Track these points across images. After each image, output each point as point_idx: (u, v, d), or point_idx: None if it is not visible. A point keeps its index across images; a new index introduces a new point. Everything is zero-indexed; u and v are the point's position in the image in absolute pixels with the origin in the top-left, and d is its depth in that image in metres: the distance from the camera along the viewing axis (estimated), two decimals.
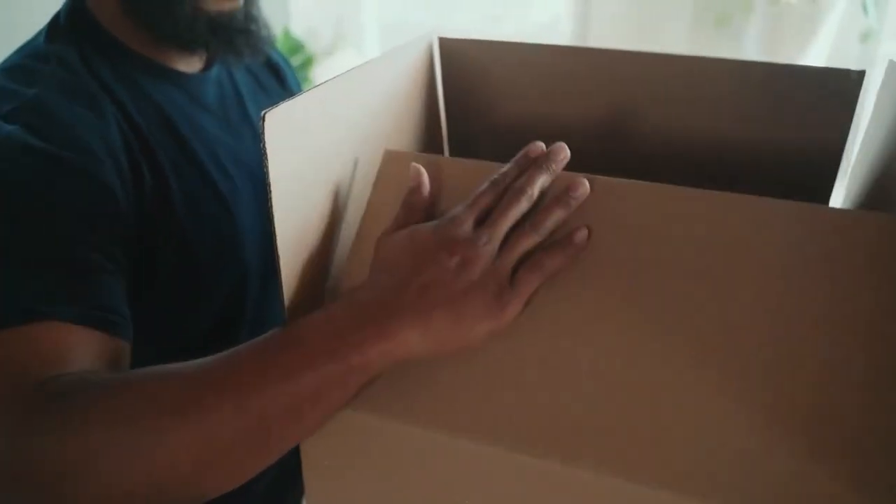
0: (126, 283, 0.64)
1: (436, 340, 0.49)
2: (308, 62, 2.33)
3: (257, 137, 0.87)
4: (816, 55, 2.31)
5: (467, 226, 0.52)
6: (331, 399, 0.49)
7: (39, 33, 0.77)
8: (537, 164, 0.54)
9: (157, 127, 0.76)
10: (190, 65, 0.82)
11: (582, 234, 0.53)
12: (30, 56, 0.73)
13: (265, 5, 0.85)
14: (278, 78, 0.99)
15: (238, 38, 0.79)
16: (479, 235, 0.51)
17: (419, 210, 0.56)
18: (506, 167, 0.55)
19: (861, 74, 0.63)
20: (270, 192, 0.49)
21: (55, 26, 0.77)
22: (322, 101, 0.55)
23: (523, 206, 0.53)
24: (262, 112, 0.47)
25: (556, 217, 0.53)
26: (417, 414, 0.51)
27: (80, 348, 0.55)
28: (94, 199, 0.63)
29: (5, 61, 0.73)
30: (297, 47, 2.31)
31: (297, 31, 2.55)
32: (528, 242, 0.52)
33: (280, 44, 2.29)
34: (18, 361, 0.53)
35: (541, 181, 0.54)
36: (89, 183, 0.63)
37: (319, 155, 0.55)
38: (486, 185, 0.54)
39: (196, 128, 0.81)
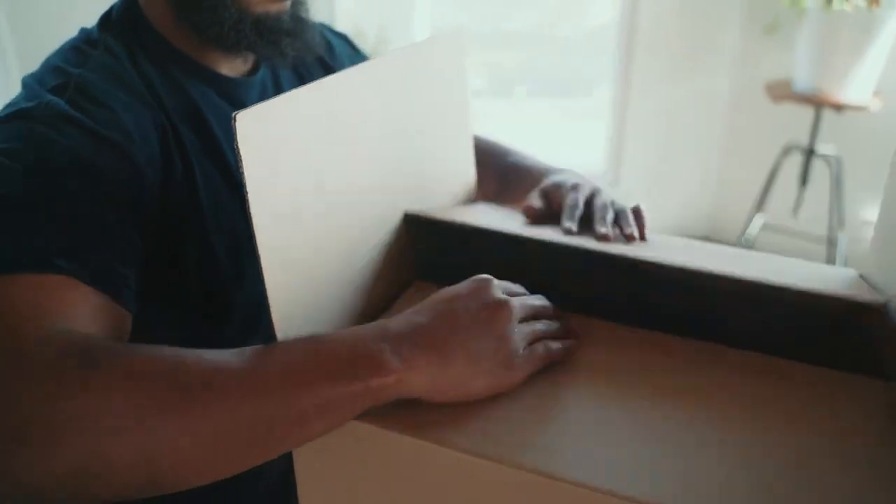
0: (138, 263, 0.65)
1: (447, 382, 0.53)
2: None
3: None
4: (872, 64, 2.25)
5: (500, 291, 0.58)
6: (338, 414, 0.50)
7: (93, 26, 0.79)
8: None
9: (189, 125, 0.77)
10: (234, 68, 0.83)
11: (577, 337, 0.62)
12: (81, 41, 0.76)
13: (311, 8, 0.86)
14: (329, 71, 0.98)
15: (283, 40, 0.80)
16: (509, 300, 0.57)
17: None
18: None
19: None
20: (247, 193, 0.50)
21: (107, 19, 0.79)
22: (296, 104, 0.56)
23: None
24: (234, 113, 0.48)
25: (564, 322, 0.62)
26: (412, 424, 0.52)
27: (88, 307, 0.56)
28: (126, 177, 0.65)
29: (59, 47, 0.76)
30: None
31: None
32: (540, 326, 0.60)
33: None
34: (27, 307, 0.52)
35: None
36: (122, 162, 0.65)
37: (296, 156, 0.56)
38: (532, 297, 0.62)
39: (229, 130, 0.79)
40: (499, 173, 1.02)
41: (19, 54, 2.60)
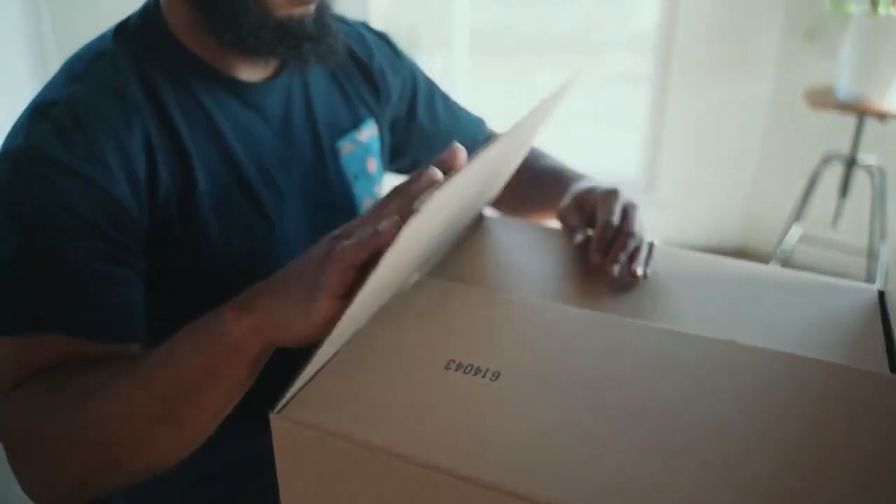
0: (140, 286, 0.72)
1: (274, 319, 0.57)
2: None
3: (317, 147, 0.90)
4: None
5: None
6: (222, 377, 0.58)
7: (110, 30, 0.79)
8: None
9: (199, 130, 0.77)
10: (254, 73, 0.82)
11: (387, 223, 0.55)
12: (91, 49, 0.78)
13: (345, 7, 0.84)
14: (365, 72, 0.97)
15: (305, 45, 0.78)
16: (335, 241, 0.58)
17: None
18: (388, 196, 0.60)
19: None
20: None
21: (125, 25, 0.79)
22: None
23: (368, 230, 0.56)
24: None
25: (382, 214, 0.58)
26: (393, 440, 0.51)
27: (87, 354, 0.65)
28: (103, 209, 0.68)
29: (75, 53, 0.79)
30: None
31: None
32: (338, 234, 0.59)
33: None
34: (29, 366, 0.64)
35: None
36: (99, 193, 0.68)
37: None
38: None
39: (244, 135, 0.81)
40: (532, 175, 1.02)
41: (59, 43, 2.63)
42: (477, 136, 1.11)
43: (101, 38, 0.79)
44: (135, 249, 0.72)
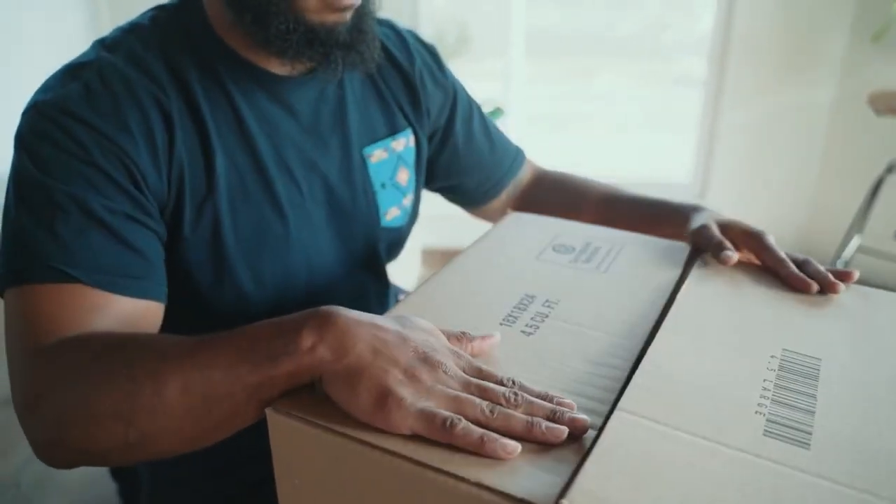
0: (159, 249, 0.73)
1: (337, 380, 0.53)
2: None
3: (345, 150, 0.88)
4: None
5: (458, 370, 0.56)
6: (263, 394, 0.54)
7: (149, 11, 0.81)
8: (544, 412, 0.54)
9: (222, 115, 0.78)
10: (285, 68, 0.81)
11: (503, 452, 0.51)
12: (127, 26, 0.79)
13: (396, 4, 0.82)
14: (406, 80, 0.95)
15: (335, 53, 0.77)
16: (449, 375, 0.54)
17: (453, 339, 0.62)
18: (530, 396, 0.56)
19: None
20: None
21: (165, 5, 0.80)
22: None
23: (485, 413, 0.52)
24: None
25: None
26: (388, 436, 0.52)
27: (100, 309, 0.65)
28: (125, 169, 0.69)
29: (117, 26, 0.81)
30: None
31: (427, 31, 2.56)
32: (473, 405, 0.53)
33: None
34: (43, 318, 0.63)
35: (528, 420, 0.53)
36: (121, 154, 0.69)
37: None
38: (507, 379, 0.57)
39: (268, 127, 0.81)
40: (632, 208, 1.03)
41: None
42: (512, 165, 1.11)
43: (140, 16, 0.81)
44: (154, 214, 0.73)
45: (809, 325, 0.72)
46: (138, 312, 0.68)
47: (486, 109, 2.29)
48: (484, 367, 0.57)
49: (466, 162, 1.06)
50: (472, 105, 1.07)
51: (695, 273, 0.82)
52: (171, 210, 0.76)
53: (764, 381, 0.62)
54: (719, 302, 0.75)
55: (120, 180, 0.69)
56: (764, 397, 0.60)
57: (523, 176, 1.13)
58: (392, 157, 0.94)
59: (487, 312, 0.71)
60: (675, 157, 3.07)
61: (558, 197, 1.10)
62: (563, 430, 0.51)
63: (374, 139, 0.92)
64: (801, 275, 0.77)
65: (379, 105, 0.93)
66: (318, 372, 0.53)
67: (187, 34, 0.78)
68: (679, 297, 0.76)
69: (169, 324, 0.85)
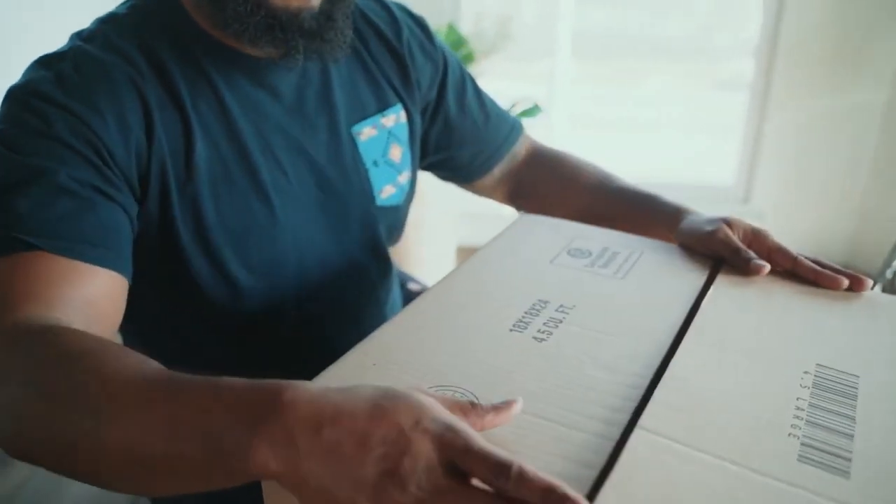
0: (127, 223, 0.70)
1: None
2: (468, 58, 2.28)
3: (333, 130, 0.84)
4: None
5: (436, 466, 0.43)
6: (215, 481, 0.47)
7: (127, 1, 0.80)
8: None
9: (203, 101, 0.76)
10: (264, 51, 0.78)
11: None
12: (105, 16, 0.78)
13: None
14: (394, 54, 0.93)
15: (297, 39, 0.74)
16: (424, 490, 0.42)
17: (456, 410, 0.49)
18: (530, 475, 0.42)
19: None
20: None
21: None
22: None
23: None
24: None
25: None
26: None
27: (64, 277, 0.62)
28: (90, 145, 0.68)
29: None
30: (459, 42, 2.26)
31: (465, 27, 2.52)
32: None
33: (444, 37, 2.25)
34: (5, 290, 0.60)
35: None
36: (87, 131, 0.68)
37: None
38: (494, 466, 0.42)
39: (252, 112, 0.79)
40: (615, 198, 0.99)
41: None
42: (508, 137, 1.07)
43: (119, 6, 0.80)
44: (123, 189, 0.70)
45: (845, 339, 0.66)
46: (102, 284, 0.65)
47: (523, 107, 2.25)
48: (478, 447, 0.43)
49: (460, 134, 1.02)
50: (464, 75, 1.03)
51: (721, 280, 0.76)
52: (157, 192, 0.73)
53: (797, 399, 0.56)
54: (747, 311, 0.70)
55: (86, 153, 0.67)
56: (798, 418, 0.54)
57: (518, 150, 1.09)
58: (382, 134, 0.91)
59: (497, 318, 0.67)
60: (720, 161, 2.99)
61: (550, 178, 1.06)
62: None
63: (362, 116, 0.89)
64: (827, 271, 0.76)
65: (366, 81, 0.90)
66: (280, 484, 0.45)
67: (165, 20, 0.77)
68: (704, 304, 0.71)
69: (170, 317, 0.83)
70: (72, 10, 1.08)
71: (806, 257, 0.78)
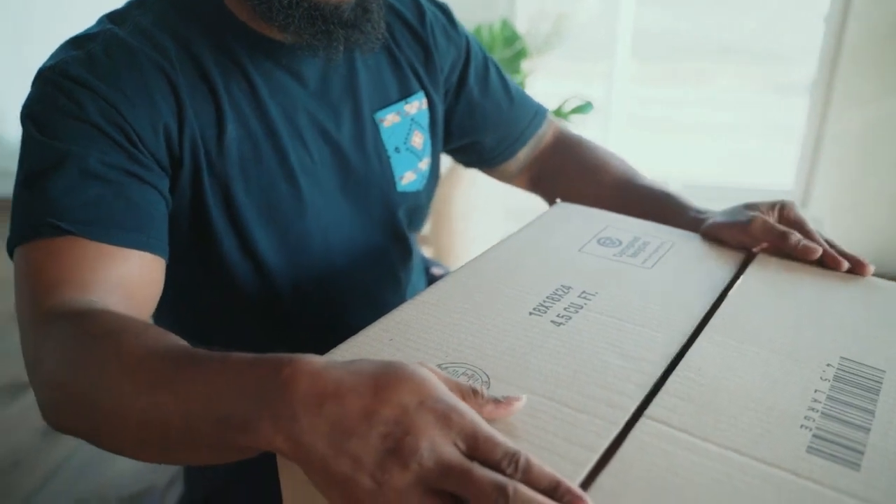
0: (161, 204, 0.72)
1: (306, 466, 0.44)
2: (521, 54, 2.27)
3: (357, 116, 0.86)
4: None
5: (441, 445, 0.42)
6: (225, 454, 0.49)
7: None
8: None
9: (234, 83, 0.78)
10: (302, 37, 0.79)
11: None
12: (136, 0, 0.80)
13: None
14: (418, 40, 0.94)
15: (337, 31, 0.75)
16: (425, 467, 0.42)
17: (457, 392, 0.48)
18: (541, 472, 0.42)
19: None
20: None
21: None
22: None
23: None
24: None
25: None
26: None
27: (98, 263, 0.65)
28: (118, 127, 0.69)
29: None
30: (512, 38, 2.26)
31: (520, 24, 2.51)
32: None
33: (497, 33, 2.25)
34: (42, 276, 0.63)
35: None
36: (114, 113, 0.69)
37: None
38: (507, 459, 0.42)
39: (280, 95, 0.81)
40: (635, 196, 0.98)
41: None
42: (532, 122, 1.07)
43: None
44: (154, 170, 0.72)
45: (875, 333, 0.65)
46: (136, 266, 0.68)
47: (575, 104, 2.24)
48: (485, 433, 0.44)
49: (483, 118, 1.02)
50: (487, 59, 1.03)
51: (750, 272, 0.75)
52: (189, 172, 0.75)
53: (815, 391, 0.55)
54: (773, 304, 0.69)
55: (116, 136, 0.69)
56: (813, 409, 0.53)
57: (543, 135, 1.09)
58: (405, 121, 0.92)
59: (517, 301, 0.67)
60: (778, 164, 2.93)
61: (574, 167, 1.05)
62: None
63: (386, 103, 0.91)
64: (832, 251, 0.77)
65: (391, 68, 0.91)
66: (285, 458, 0.46)
67: (196, 6, 0.79)
68: (729, 296, 0.70)
69: (198, 295, 0.85)
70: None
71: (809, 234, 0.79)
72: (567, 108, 2.24)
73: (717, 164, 3.14)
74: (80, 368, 0.55)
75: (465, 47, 0.99)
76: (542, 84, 2.54)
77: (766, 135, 3.22)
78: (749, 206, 0.82)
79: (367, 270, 0.92)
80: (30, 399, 1.89)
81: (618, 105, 2.80)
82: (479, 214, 2.38)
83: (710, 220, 0.84)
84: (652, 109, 3.41)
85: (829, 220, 2.66)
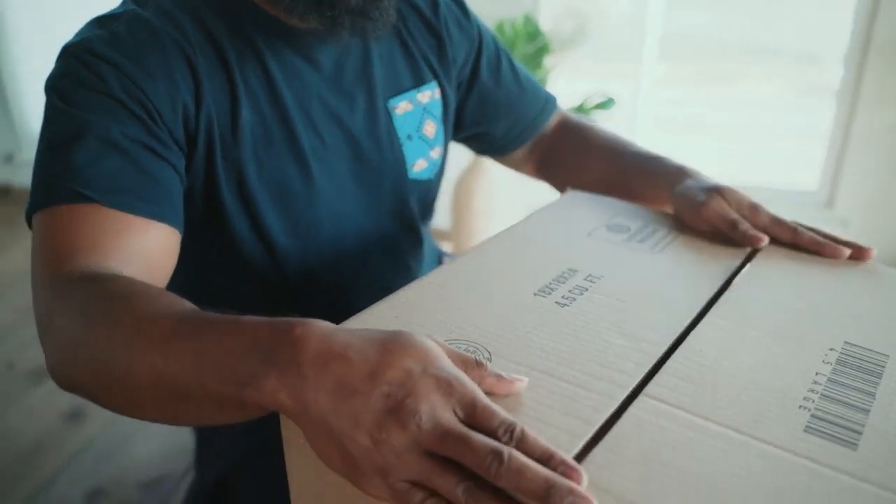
0: (176, 178, 0.73)
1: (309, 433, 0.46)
2: (543, 50, 2.27)
3: (370, 103, 0.87)
4: None
5: (441, 410, 0.43)
6: (231, 411, 0.50)
7: None
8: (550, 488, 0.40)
9: (250, 67, 0.79)
10: (307, 21, 0.80)
11: None
12: None
13: None
14: (431, 30, 0.95)
15: (343, 17, 0.76)
16: (423, 430, 0.42)
17: (460, 364, 0.49)
18: (547, 449, 0.43)
19: None
20: None
21: None
22: None
23: (485, 464, 0.41)
24: None
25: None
26: None
27: (118, 231, 0.66)
28: (139, 102, 0.71)
29: None
30: (534, 34, 2.26)
31: (544, 20, 2.51)
32: (447, 485, 0.42)
33: (519, 28, 2.25)
34: (59, 239, 0.65)
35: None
36: (136, 89, 0.71)
37: None
38: (504, 427, 0.43)
39: (294, 80, 0.82)
40: (623, 163, 0.99)
41: None
42: (542, 111, 1.08)
43: None
44: (171, 146, 0.73)
45: (883, 320, 0.65)
46: (155, 236, 0.69)
47: (597, 100, 2.23)
48: (484, 402, 0.44)
49: (494, 108, 1.04)
50: (498, 50, 1.04)
51: (758, 259, 0.75)
52: (203, 152, 0.76)
53: (816, 374, 0.55)
54: (779, 290, 0.69)
55: (136, 110, 0.70)
56: (812, 391, 0.53)
57: (550, 124, 1.10)
58: (417, 110, 0.93)
59: (523, 283, 0.67)
60: (804, 165, 2.90)
61: (569, 148, 1.06)
62: None
63: (398, 91, 0.91)
64: (829, 241, 0.76)
65: (404, 57, 0.92)
66: (285, 414, 0.47)
67: None
68: (737, 280, 0.69)
69: (210, 275, 0.87)
70: None
71: (806, 227, 0.77)
72: (589, 104, 2.24)
73: (742, 164, 3.12)
74: (94, 326, 0.56)
75: (478, 38, 1.00)
76: (567, 82, 2.53)
77: (794, 136, 3.19)
78: (718, 188, 0.81)
79: (378, 257, 0.93)
80: (53, 385, 1.93)
81: (644, 105, 2.79)
82: (499, 211, 2.38)
83: (676, 189, 0.84)
84: (678, 110, 3.39)
85: (854, 221, 2.63)
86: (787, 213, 0.83)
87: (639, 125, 2.78)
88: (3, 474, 1.65)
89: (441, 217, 2.72)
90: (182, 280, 0.85)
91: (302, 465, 0.54)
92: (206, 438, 1.00)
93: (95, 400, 0.58)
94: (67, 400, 1.87)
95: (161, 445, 1.74)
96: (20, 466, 1.67)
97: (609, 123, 2.39)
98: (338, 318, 0.68)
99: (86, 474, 1.66)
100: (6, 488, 1.61)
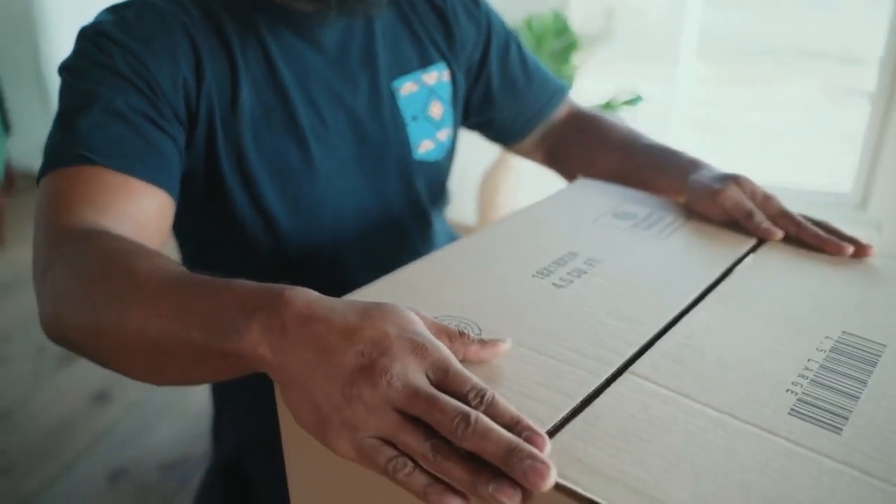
0: (175, 150, 0.76)
1: (286, 388, 0.47)
2: (572, 46, 2.27)
3: (373, 84, 0.88)
4: None
5: (413, 372, 0.44)
6: (215, 365, 0.51)
7: None
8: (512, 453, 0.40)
9: (251, 51, 0.81)
10: (300, 4, 0.82)
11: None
12: None
13: None
14: (439, 14, 0.95)
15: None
16: (394, 387, 0.43)
17: (443, 335, 0.50)
18: (506, 410, 0.43)
19: None
20: None
21: None
22: None
23: (451, 426, 0.42)
24: None
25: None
26: None
27: (118, 190, 0.69)
28: (143, 78, 0.74)
29: None
30: (563, 29, 2.25)
31: (574, 16, 2.50)
32: (415, 442, 0.42)
33: (548, 24, 2.25)
34: (63, 197, 0.67)
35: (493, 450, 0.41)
36: (141, 66, 0.74)
37: None
38: (474, 392, 0.44)
39: (295, 62, 0.83)
40: (635, 155, 0.98)
41: None
42: (550, 100, 1.07)
43: None
44: (171, 120, 0.76)
45: (883, 311, 0.64)
46: (151, 201, 0.71)
47: (625, 97, 2.22)
48: (456, 367, 0.45)
49: (501, 96, 1.04)
50: (508, 37, 1.03)
51: (764, 249, 0.74)
52: (204, 129, 0.79)
53: (809, 360, 0.55)
54: (783, 280, 0.68)
55: (140, 85, 0.73)
56: (802, 377, 0.52)
57: (559, 113, 1.09)
58: (423, 90, 0.93)
59: (522, 264, 0.68)
60: (839, 167, 2.85)
61: (581, 139, 1.05)
62: (513, 496, 0.39)
63: (403, 72, 0.92)
64: (832, 237, 0.75)
65: (409, 38, 0.92)
66: (263, 369, 0.48)
67: None
68: (738, 268, 0.69)
69: (212, 253, 0.89)
70: None
71: (813, 221, 0.77)
72: (617, 101, 2.23)
73: (776, 166, 3.08)
74: (88, 278, 0.58)
75: (487, 25, 1.00)
76: (597, 80, 2.52)
77: (830, 138, 3.14)
78: (734, 177, 0.80)
79: (382, 238, 0.94)
80: (80, 367, 1.97)
81: (680, 106, 2.76)
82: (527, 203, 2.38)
83: (691, 178, 0.84)
84: (713, 110, 3.36)
85: (888, 224, 2.59)
86: (820, 215, 0.82)
87: (673, 125, 2.76)
88: (31, 452, 1.69)
89: (468, 212, 2.74)
90: (185, 259, 0.86)
91: (301, 462, 0.56)
92: (222, 414, 1.02)
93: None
94: (94, 383, 1.91)
95: (181, 430, 1.77)
96: (47, 445, 1.71)
97: (641, 123, 2.39)
98: (339, 296, 0.69)
99: (109, 455, 1.69)
100: (33, 466, 1.65)
